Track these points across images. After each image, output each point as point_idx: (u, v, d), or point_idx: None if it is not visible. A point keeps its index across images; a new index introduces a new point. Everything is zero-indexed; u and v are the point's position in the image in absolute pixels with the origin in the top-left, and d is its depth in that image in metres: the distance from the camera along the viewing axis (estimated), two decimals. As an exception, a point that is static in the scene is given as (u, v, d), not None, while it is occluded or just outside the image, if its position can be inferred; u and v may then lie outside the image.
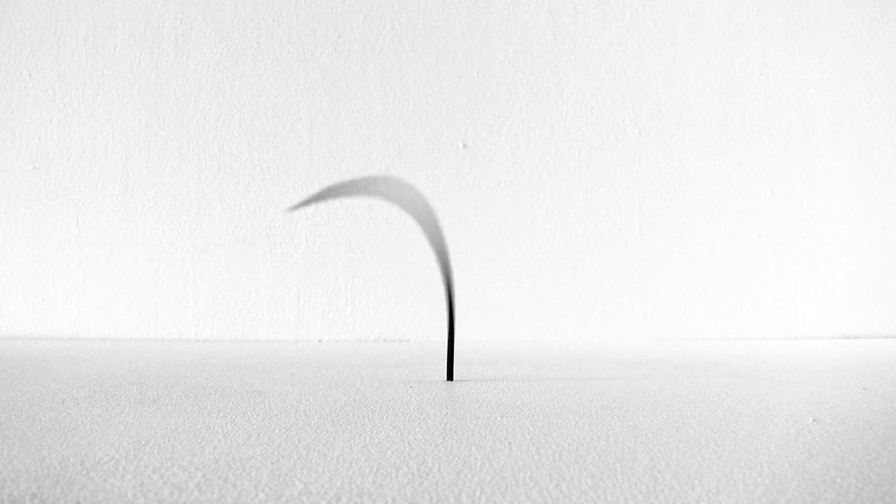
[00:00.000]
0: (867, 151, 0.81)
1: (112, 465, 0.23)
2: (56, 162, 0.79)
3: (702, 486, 0.22)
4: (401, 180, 0.46)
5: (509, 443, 0.27)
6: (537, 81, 0.80)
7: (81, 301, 0.78)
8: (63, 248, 0.79)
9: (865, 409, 0.35)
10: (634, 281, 0.80)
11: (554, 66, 0.81)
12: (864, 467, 0.24)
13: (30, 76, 0.79)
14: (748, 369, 0.51)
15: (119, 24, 0.80)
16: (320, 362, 0.56)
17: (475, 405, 0.36)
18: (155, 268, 0.79)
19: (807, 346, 0.72)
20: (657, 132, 0.81)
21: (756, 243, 0.81)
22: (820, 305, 0.80)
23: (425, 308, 0.79)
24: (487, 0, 0.81)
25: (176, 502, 0.20)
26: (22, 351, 0.64)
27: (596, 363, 0.56)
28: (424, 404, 0.36)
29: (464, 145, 0.80)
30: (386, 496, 0.21)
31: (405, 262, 0.79)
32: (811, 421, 0.32)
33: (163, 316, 0.78)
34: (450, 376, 0.46)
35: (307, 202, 0.48)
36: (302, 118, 0.80)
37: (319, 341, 0.78)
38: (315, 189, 0.79)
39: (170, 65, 0.80)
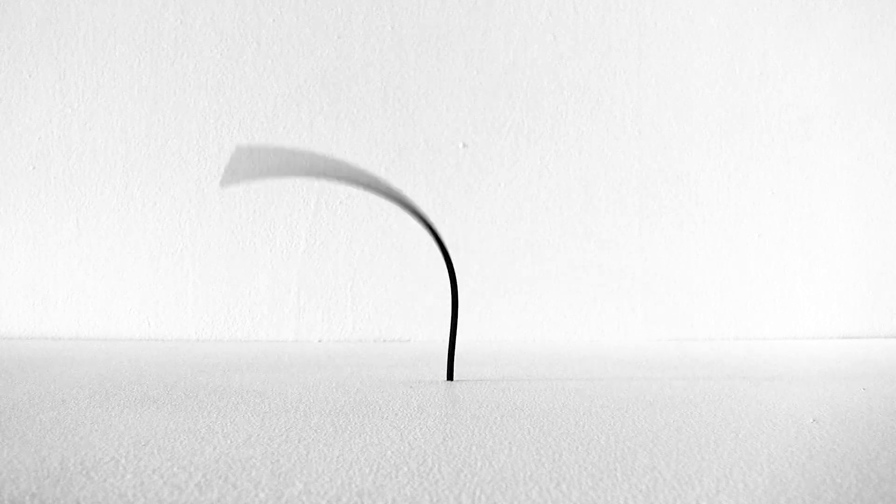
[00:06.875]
0: (867, 151, 0.81)
1: (112, 465, 0.23)
2: (56, 162, 0.79)
3: (702, 486, 0.22)
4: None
5: (509, 443, 0.27)
6: (537, 81, 0.80)
7: (81, 301, 0.78)
8: (63, 248, 0.79)
9: (865, 409, 0.35)
10: (634, 281, 0.80)
11: (554, 66, 0.81)
12: (864, 467, 0.24)
13: (30, 76, 0.79)
14: (748, 369, 0.51)
15: (119, 24, 0.80)
16: (320, 362, 0.56)
17: (475, 405, 0.36)
18: (155, 268, 0.79)
19: (807, 346, 0.72)
20: (657, 132, 0.81)
21: (756, 243, 0.81)
22: (820, 305, 0.80)
23: (425, 308, 0.79)
24: (487, 0, 0.81)
25: (176, 502, 0.20)
26: (22, 351, 0.64)
27: (596, 363, 0.56)
28: (424, 404, 0.36)
29: (464, 145, 0.80)
30: (386, 496, 0.21)
31: (405, 262, 0.79)
32: (811, 421, 0.32)
33: (163, 316, 0.78)
34: (450, 376, 0.46)
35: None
36: (302, 118, 0.80)
37: (319, 341, 0.78)
38: (313, 189, 0.79)
39: (170, 65, 0.80)
